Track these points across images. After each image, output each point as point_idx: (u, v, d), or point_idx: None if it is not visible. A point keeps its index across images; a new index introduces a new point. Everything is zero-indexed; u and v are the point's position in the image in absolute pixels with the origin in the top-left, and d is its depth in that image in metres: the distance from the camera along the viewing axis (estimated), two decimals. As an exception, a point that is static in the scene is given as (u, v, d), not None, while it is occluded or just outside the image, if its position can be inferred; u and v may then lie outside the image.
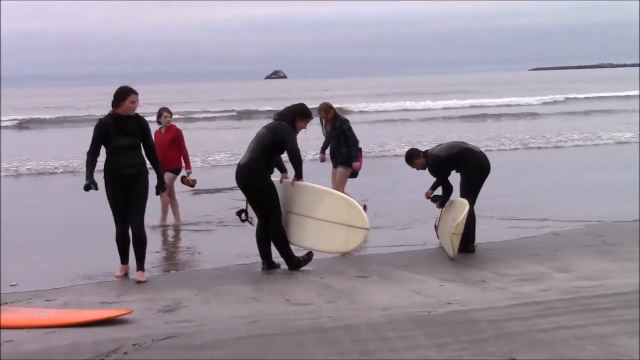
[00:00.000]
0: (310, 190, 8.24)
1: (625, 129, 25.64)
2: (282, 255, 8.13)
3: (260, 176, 8.02)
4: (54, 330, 6.07)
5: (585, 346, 5.37)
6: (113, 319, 6.27)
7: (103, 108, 45.98)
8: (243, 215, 8.66)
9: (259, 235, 8.24)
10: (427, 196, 9.15)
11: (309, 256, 8.18)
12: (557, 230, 9.93)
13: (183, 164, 11.19)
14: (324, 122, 11.10)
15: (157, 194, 8.19)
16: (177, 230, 10.86)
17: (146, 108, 43.70)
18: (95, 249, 9.56)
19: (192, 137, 27.72)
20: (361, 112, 41.76)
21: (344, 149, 10.86)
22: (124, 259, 8.04)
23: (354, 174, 11.00)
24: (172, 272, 8.42)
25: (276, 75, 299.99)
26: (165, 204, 11.11)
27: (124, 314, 6.35)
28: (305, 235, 8.23)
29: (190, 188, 11.47)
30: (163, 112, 11.20)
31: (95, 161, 7.77)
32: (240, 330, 5.93)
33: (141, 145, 7.81)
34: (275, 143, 7.99)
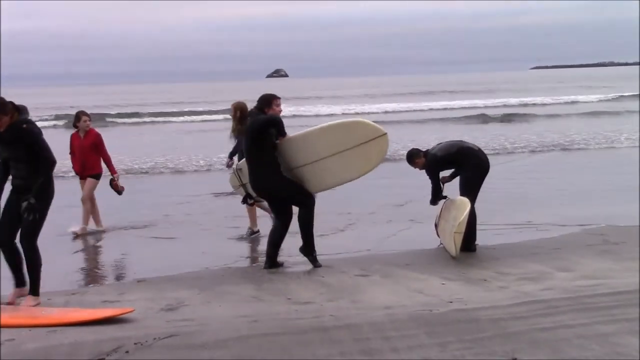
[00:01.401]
0: (311, 135, 8.25)
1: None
2: (304, 238, 8.20)
3: (271, 177, 8.05)
4: (55, 329, 6.06)
5: (588, 345, 5.35)
6: (115, 318, 6.27)
7: (105, 107, 46.00)
8: (249, 199, 8.78)
9: (272, 235, 8.29)
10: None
11: (319, 265, 8.18)
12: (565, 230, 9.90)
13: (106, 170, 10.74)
14: (234, 122, 10.20)
15: (21, 213, 6.71)
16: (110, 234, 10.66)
17: (152, 108, 43.59)
18: (96, 249, 9.57)
19: (194, 139, 27.85)
20: (373, 112, 40.26)
21: None
22: (15, 280, 7.00)
23: None
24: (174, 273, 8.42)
25: (277, 74, 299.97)
26: (87, 210, 10.68)
27: (125, 313, 6.34)
28: (335, 175, 8.22)
29: (118, 195, 10.93)
30: (82, 116, 10.71)
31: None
32: (242, 329, 5.92)
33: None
34: (258, 143, 8.02)
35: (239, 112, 9.86)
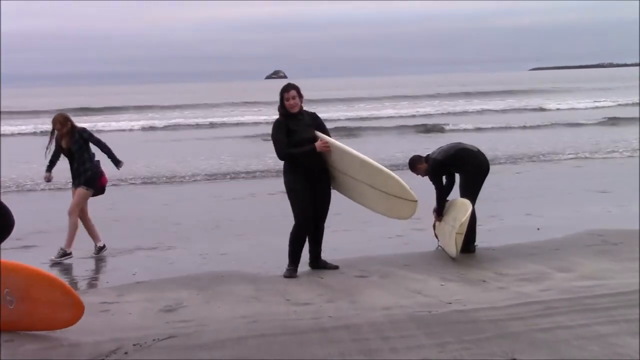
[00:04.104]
0: (353, 158, 7.96)
1: None
2: (289, 251, 8.00)
3: (285, 177, 8.00)
4: (54, 330, 6.05)
5: (587, 346, 5.36)
6: (113, 318, 6.25)
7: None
8: None
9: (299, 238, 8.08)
10: (439, 220, 9.09)
11: (291, 274, 7.90)
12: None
13: None
14: (57, 135, 9.40)
15: None
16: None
17: (156, 112, 43.12)
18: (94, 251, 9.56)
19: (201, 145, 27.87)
20: (390, 117, 38.37)
21: (88, 164, 9.32)
22: None
23: (101, 190, 9.54)
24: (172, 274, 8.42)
25: (277, 75, 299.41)
26: None
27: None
28: (363, 196, 8.18)
29: None
30: None
31: None
32: (241, 330, 5.93)
33: None
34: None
35: (69, 123, 9.29)
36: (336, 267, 8.11)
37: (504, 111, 40.22)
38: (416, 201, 7.89)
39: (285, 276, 7.85)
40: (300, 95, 7.92)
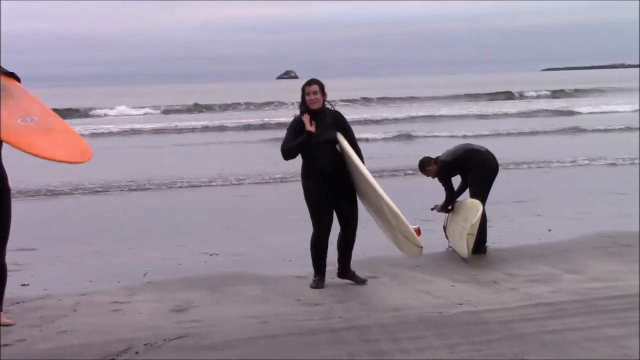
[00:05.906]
0: (368, 185, 7.27)
1: None
2: (312, 260, 7.58)
3: (302, 181, 7.55)
4: (65, 330, 6.09)
5: (596, 348, 5.35)
6: (123, 317, 6.27)
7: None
8: None
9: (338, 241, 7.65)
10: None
11: (317, 285, 7.50)
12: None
13: None
14: None
15: None
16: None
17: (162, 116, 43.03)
18: (106, 251, 9.60)
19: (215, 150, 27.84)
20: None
21: None
22: None
23: None
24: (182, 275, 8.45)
25: (288, 75, 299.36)
26: None
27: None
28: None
29: None
30: None
31: None
32: (251, 330, 5.94)
33: None
34: None
35: None
36: (364, 281, 7.54)
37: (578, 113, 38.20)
38: (421, 247, 7.26)
39: (312, 287, 7.41)
40: (323, 93, 7.37)
